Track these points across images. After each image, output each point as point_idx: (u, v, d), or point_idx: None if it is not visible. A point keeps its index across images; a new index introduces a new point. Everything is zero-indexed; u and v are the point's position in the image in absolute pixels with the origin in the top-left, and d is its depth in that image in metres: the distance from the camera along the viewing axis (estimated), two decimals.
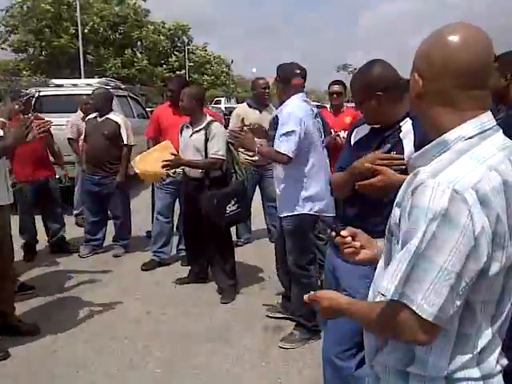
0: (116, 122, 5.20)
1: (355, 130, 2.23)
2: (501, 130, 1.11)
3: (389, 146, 2.01)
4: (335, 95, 4.83)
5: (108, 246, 5.50)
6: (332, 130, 4.56)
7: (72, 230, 5.80)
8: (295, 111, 3.14)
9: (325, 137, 3.52)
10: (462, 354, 1.08)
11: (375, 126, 2.11)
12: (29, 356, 3.22)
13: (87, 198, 5.38)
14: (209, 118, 4.10)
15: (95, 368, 3.09)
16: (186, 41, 43.32)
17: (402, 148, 1.99)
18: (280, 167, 3.25)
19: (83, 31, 28.74)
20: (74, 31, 29.86)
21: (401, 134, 2.01)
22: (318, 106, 11.96)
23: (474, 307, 1.06)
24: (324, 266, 2.49)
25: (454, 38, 1.07)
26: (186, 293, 4.30)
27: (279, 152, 3.09)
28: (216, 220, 3.94)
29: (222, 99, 40.29)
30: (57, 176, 5.42)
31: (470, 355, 1.08)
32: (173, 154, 3.98)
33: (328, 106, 5.29)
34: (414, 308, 1.00)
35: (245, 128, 3.49)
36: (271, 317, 3.76)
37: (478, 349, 1.08)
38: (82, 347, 3.35)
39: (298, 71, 3.31)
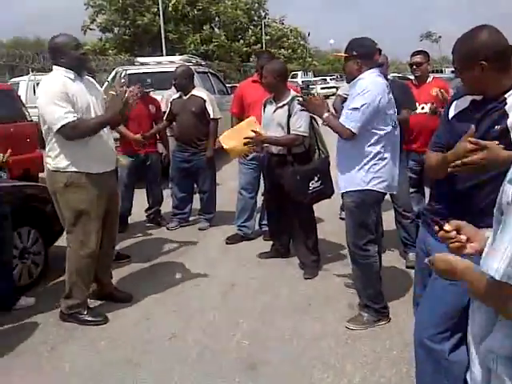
0: (201, 98, 5.30)
1: (454, 102, 2.10)
2: None
3: (492, 119, 1.88)
4: (415, 66, 4.61)
5: (193, 220, 5.70)
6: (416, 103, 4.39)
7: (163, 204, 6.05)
8: (370, 87, 3.04)
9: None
10: None
11: (476, 98, 1.98)
12: (124, 322, 3.44)
13: (177, 174, 5.56)
14: (292, 94, 4.07)
15: (184, 337, 3.24)
16: (263, 14, 43.04)
17: (507, 122, 1.86)
18: (342, 140, 3.17)
19: (164, 9, 29.37)
20: (156, 9, 30.58)
21: (506, 107, 1.87)
22: (401, 78, 11.47)
23: None
24: (416, 245, 2.41)
25: None
26: (269, 267, 4.37)
27: (344, 126, 3.03)
28: (299, 196, 3.94)
29: (299, 73, 39.82)
30: (160, 151, 5.67)
31: None
32: (253, 131, 4.01)
33: (410, 79, 5.03)
34: None
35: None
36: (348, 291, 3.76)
37: None
38: (172, 316, 3.52)
39: (377, 46, 3.22)
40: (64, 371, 2.88)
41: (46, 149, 3.37)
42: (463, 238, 1.31)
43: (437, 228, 1.34)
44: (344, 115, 3.07)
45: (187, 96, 5.32)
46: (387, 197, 3.66)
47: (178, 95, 5.44)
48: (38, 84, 12.91)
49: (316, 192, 3.91)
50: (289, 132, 3.99)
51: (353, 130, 3.01)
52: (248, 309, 3.60)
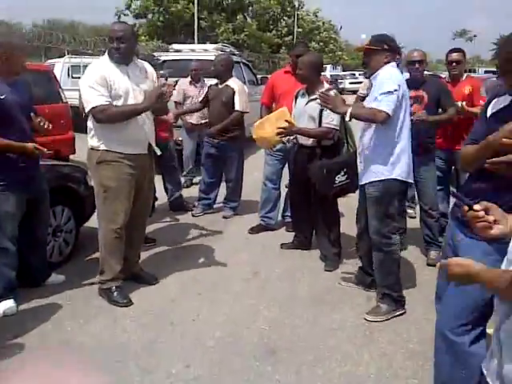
0: (232, 88, 5.37)
1: (494, 100, 2.13)
2: None
3: None
4: (454, 63, 4.58)
5: (218, 208, 5.80)
6: None
7: (188, 189, 6.17)
8: (395, 75, 3.19)
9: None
10: None
11: None
12: (149, 303, 3.57)
13: (206, 159, 5.66)
14: (326, 87, 4.10)
15: (207, 320, 3.35)
16: (297, 5, 42.67)
17: None
18: (367, 132, 3.25)
19: None
20: None
21: None
22: (432, 75, 11.33)
23: None
24: (444, 240, 2.46)
25: None
26: (290, 258, 4.45)
27: (379, 110, 3.09)
28: (324, 189, 3.99)
29: (328, 66, 39.42)
30: (179, 138, 5.78)
31: None
32: (287, 121, 4.07)
33: (444, 75, 5.00)
34: None
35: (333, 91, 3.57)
36: (343, 285, 3.86)
37: None
38: (196, 299, 3.63)
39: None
40: (90, 346, 3.01)
41: (88, 129, 3.53)
42: (491, 218, 1.35)
43: (466, 208, 1.38)
44: (375, 100, 3.15)
45: (222, 85, 5.41)
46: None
47: (215, 82, 5.55)
48: (73, 66, 13.24)
49: (341, 186, 3.95)
50: (320, 125, 4.04)
51: (388, 112, 3.09)
52: (269, 297, 3.69)
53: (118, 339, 3.09)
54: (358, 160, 3.44)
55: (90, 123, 3.47)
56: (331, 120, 3.98)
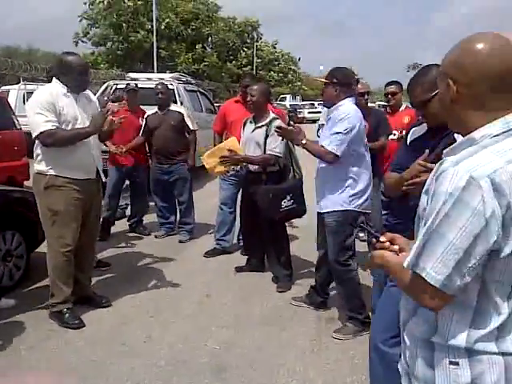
0: (179, 112, 5.63)
1: (412, 129, 2.35)
2: None
3: (444, 144, 2.11)
4: (390, 95, 4.89)
5: (175, 232, 5.88)
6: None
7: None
8: (351, 113, 3.29)
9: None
10: (480, 328, 1.21)
11: (432, 126, 2.21)
12: (101, 325, 3.58)
13: (157, 186, 5.75)
14: (271, 115, 4.31)
15: (160, 340, 3.39)
16: (256, 37, 43.76)
17: None
18: (325, 164, 3.39)
19: (158, 26, 29.78)
20: (149, 27, 31.00)
21: (455, 135, 2.11)
22: (383, 106, 11.90)
23: (489, 286, 1.19)
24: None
25: (485, 47, 1.20)
26: (243, 280, 4.54)
27: (328, 151, 3.24)
28: (270, 214, 4.12)
29: (288, 96, 40.43)
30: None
31: (488, 330, 1.20)
32: (229, 150, 4.25)
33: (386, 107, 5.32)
34: (423, 275, 1.17)
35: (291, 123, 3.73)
36: (294, 304, 3.96)
37: (496, 325, 1.20)
38: (148, 321, 3.67)
39: (356, 76, 3.55)
40: (42, 369, 3.00)
41: (34, 154, 3.56)
42: (396, 247, 1.51)
43: (374, 240, 1.55)
44: (326, 139, 3.30)
45: (163, 111, 5.59)
46: None
47: (153, 111, 5.68)
48: (28, 93, 13.10)
49: (288, 210, 4.10)
50: (265, 151, 4.22)
51: (337, 153, 3.24)
52: (221, 318, 3.76)
53: (69, 360, 3.09)
54: (316, 188, 3.57)
55: (37, 148, 3.51)
56: (274, 147, 4.16)
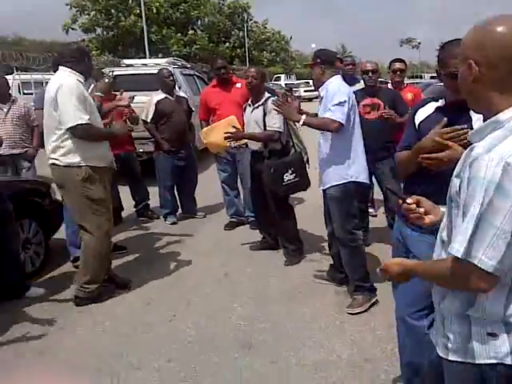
0: (184, 98, 5.71)
1: (420, 109, 2.30)
2: None
3: (463, 122, 2.10)
4: (398, 72, 4.91)
5: (187, 215, 5.94)
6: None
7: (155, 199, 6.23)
8: (340, 88, 3.44)
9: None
10: None
11: (441, 105, 2.21)
12: (125, 306, 3.65)
13: (172, 174, 5.66)
14: (266, 95, 4.43)
15: (184, 318, 3.46)
16: (246, 17, 43.26)
17: (471, 125, 2.07)
18: (325, 140, 3.48)
19: (147, 11, 29.39)
20: (139, 11, 30.57)
21: (470, 111, 2.11)
22: (381, 82, 11.86)
23: None
24: (393, 235, 2.61)
25: (504, 28, 1.22)
26: (259, 258, 4.60)
27: (333, 119, 3.31)
28: (274, 188, 4.21)
29: (282, 76, 40.16)
30: (140, 150, 5.91)
31: None
32: (234, 127, 4.32)
33: (389, 82, 5.31)
34: (475, 262, 1.20)
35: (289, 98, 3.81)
36: (317, 282, 4.01)
37: None
38: (171, 301, 3.73)
39: (337, 55, 3.72)
40: (73, 349, 3.09)
41: (49, 146, 3.56)
42: (422, 210, 1.56)
43: (400, 201, 1.58)
44: (328, 111, 3.36)
45: (174, 96, 5.57)
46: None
47: (163, 96, 5.49)
48: (23, 83, 12.99)
49: (291, 184, 4.17)
50: (265, 129, 4.30)
51: (342, 122, 3.32)
52: (241, 295, 3.82)
53: (98, 340, 3.18)
54: (318, 167, 3.64)
55: (61, 141, 3.50)
56: (273, 123, 4.26)
